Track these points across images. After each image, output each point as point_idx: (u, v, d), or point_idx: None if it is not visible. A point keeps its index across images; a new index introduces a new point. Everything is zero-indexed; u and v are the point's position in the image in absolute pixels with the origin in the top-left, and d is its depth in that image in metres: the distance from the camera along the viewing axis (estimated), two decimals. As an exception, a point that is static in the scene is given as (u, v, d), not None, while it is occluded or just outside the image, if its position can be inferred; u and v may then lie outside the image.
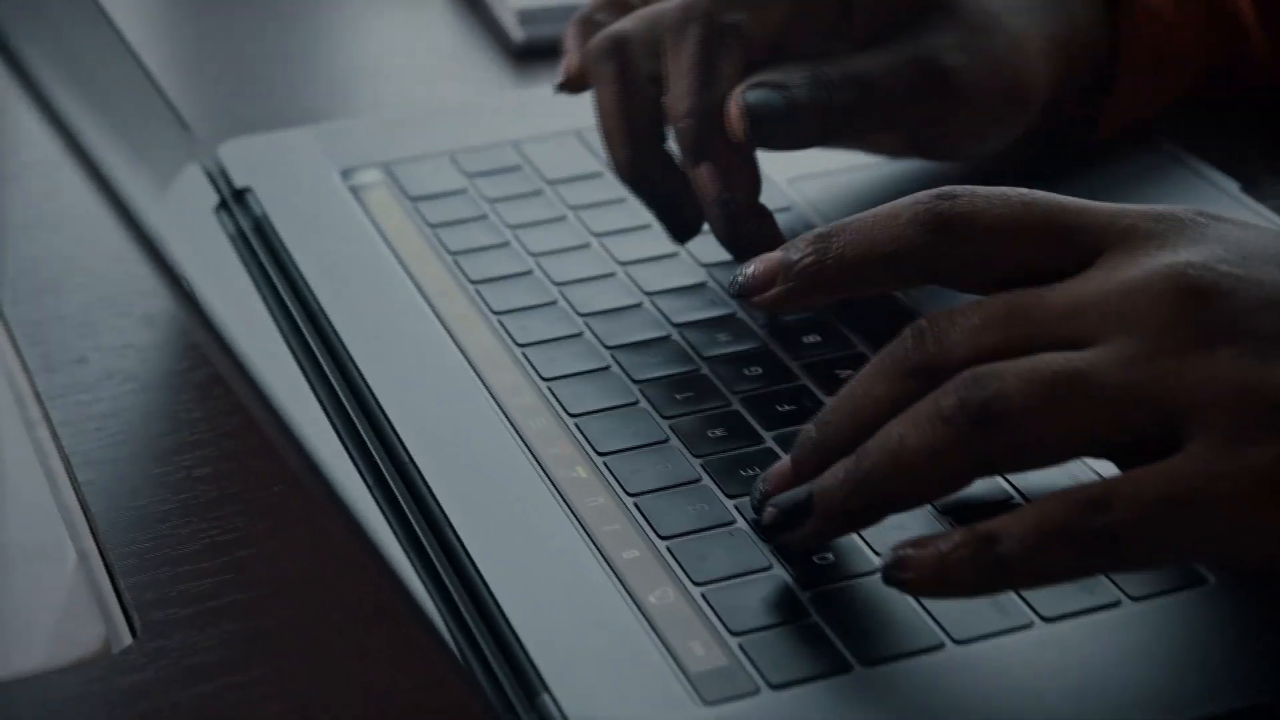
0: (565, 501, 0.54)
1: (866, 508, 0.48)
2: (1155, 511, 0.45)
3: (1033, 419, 0.47)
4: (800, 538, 0.50)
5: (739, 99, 0.60)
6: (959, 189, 0.51)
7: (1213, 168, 0.69)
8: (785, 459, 0.51)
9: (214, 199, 0.70)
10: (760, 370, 0.59)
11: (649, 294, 0.64)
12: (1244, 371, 0.46)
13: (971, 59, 0.64)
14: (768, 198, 0.68)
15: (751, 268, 0.53)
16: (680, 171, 0.63)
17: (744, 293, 0.53)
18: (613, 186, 0.69)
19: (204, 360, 0.63)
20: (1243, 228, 0.50)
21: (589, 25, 0.66)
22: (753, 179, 0.61)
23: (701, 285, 0.64)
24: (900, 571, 0.47)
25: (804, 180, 0.70)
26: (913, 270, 0.51)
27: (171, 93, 0.74)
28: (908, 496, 0.48)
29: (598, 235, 0.67)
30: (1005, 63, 0.65)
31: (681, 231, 0.63)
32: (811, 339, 0.61)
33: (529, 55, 0.85)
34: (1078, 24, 0.68)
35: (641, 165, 0.63)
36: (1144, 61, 0.69)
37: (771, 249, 0.54)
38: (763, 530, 0.51)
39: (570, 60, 0.65)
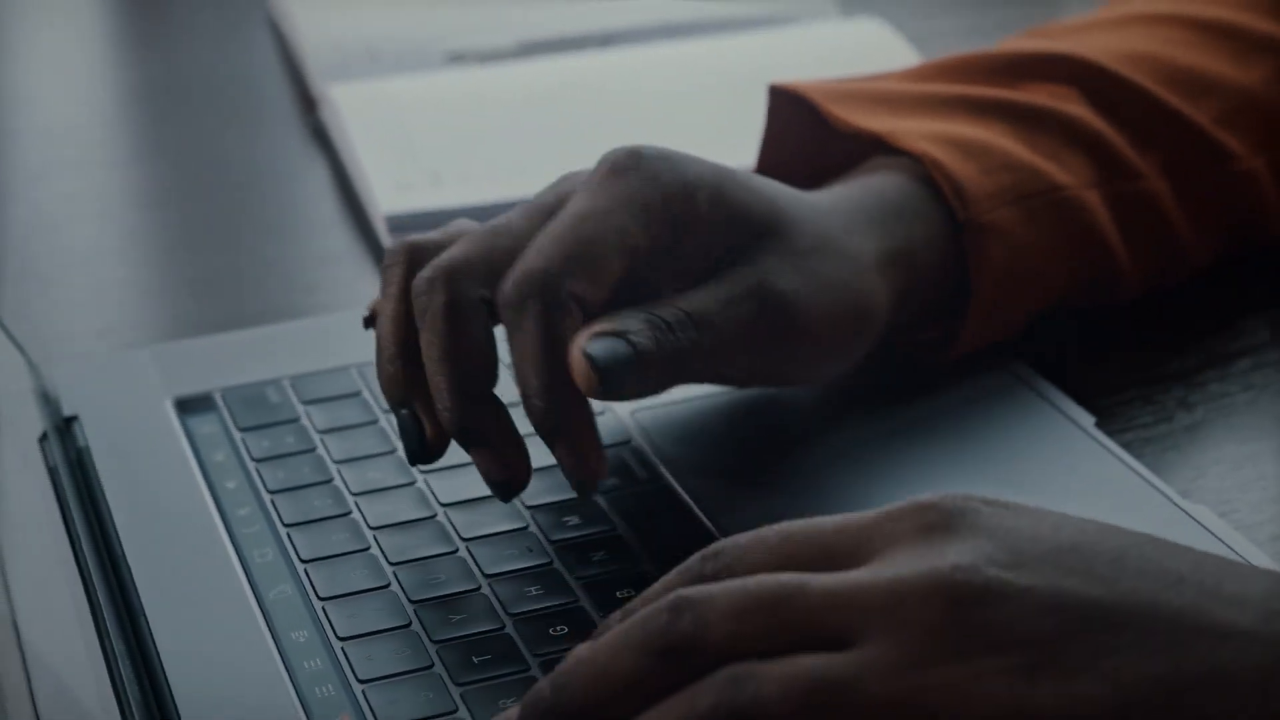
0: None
1: None
2: None
3: None
4: None
5: (581, 351, 0.57)
6: (720, 544, 0.48)
7: (1066, 397, 0.67)
8: (513, 708, 0.47)
9: (41, 427, 0.68)
10: (566, 629, 0.57)
11: (466, 540, 0.61)
12: (1010, 688, 0.44)
13: (805, 282, 0.62)
14: (604, 429, 0.67)
15: None
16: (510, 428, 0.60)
17: None
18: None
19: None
20: (1018, 516, 0.47)
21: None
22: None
23: (523, 530, 0.62)
24: None
25: (643, 411, 0.67)
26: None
27: (16, 308, 0.72)
28: None
29: (424, 472, 0.65)
30: (841, 283, 0.62)
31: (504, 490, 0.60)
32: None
33: (398, 263, 0.83)
34: (916, 241, 0.66)
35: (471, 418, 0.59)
36: (994, 283, 0.67)
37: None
38: None
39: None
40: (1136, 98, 0.72)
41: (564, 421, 0.58)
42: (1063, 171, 0.69)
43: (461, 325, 0.58)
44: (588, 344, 0.58)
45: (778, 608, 0.46)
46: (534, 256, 0.59)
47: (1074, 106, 0.71)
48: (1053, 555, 0.46)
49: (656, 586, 0.49)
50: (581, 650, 0.47)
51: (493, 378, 0.59)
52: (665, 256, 0.61)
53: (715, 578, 0.47)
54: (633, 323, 0.59)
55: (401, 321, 0.60)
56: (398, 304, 0.60)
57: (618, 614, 0.49)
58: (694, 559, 0.49)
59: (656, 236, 0.60)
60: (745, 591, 0.46)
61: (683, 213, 0.61)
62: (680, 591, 0.46)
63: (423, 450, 0.60)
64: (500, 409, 0.59)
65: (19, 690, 0.55)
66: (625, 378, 0.58)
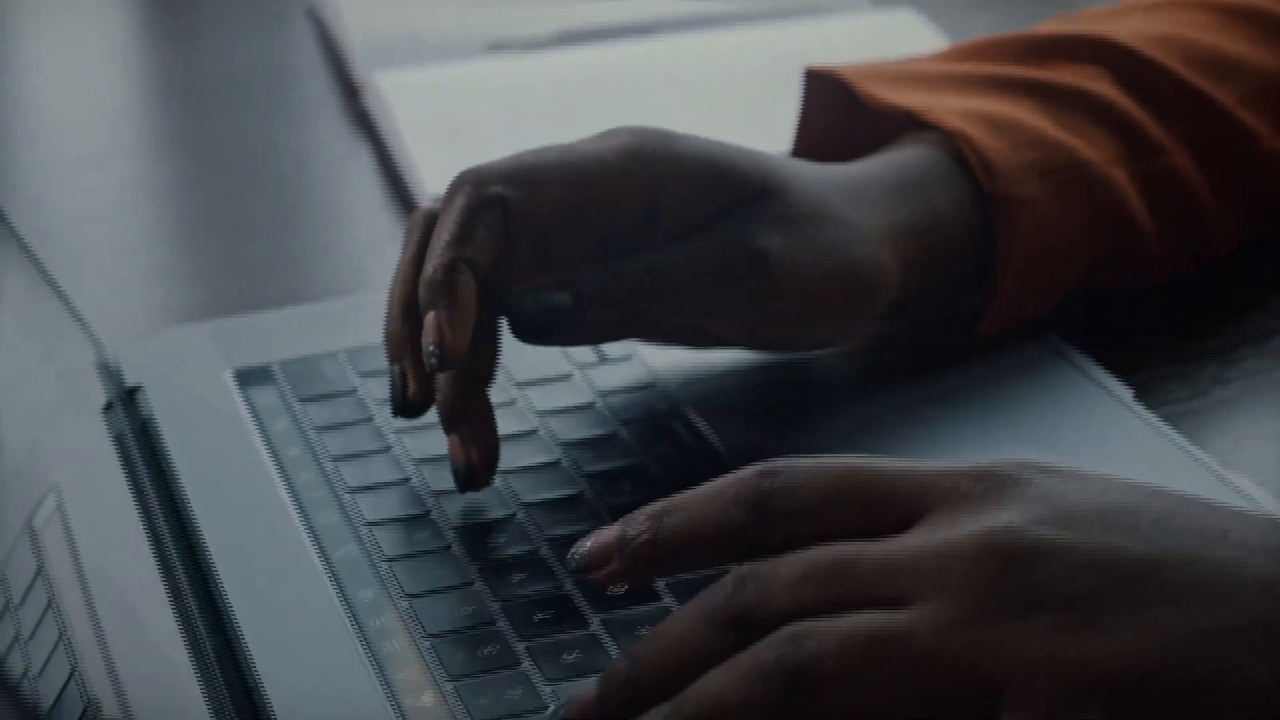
0: (409, 731, 0.54)
1: None
2: None
3: (848, 681, 0.46)
4: None
5: (518, 305, 0.61)
6: (780, 464, 0.50)
7: (1105, 370, 0.68)
8: (590, 687, 0.49)
9: (104, 398, 0.70)
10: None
11: (524, 505, 0.63)
12: (1056, 642, 0.45)
13: (792, 244, 0.64)
14: (658, 402, 0.68)
15: (589, 544, 0.52)
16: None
17: (580, 569, 0.51)
18: (499, 388, 0.69)
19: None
20: (1068, 481, 0.49)
21: None
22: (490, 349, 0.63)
23: (579, 495, 0.63)
24: None
25: (692, 383, 0.69)
26: (737, 551, 0.50)
27: (78, 287, 0.73)
28: None
29: (481, 441, 0.66)
30: (835, 250, 0.64)
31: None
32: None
33: (444, 244, 0.84)
34: (938, 213, 0.68)
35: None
36: (1024, 256, 0.69)
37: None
38: None
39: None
40: (1162, 78, 0.74)
41: (445, 298, 0.60)
42: (1090, 148, 0.71)
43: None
44: (523, 297, 0.61)
45: (836, 575, 0.48)
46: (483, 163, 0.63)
47: (1101, 85, 0.73)
48: (1099, 516, 0.48)
49: (711, 487, 0.50)
50: (655, 627, 0.50)
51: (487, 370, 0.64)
52: (648, 215, 0.63)
53: (771, 496, 0.49)
54: (589, 270, 0.62)
55: (411, 284, 0.63)
56: (409, 267, 0.64)
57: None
58: (751, 471, 0.50)
59: (630, 190, 0.63)
60: (805, 562, 0.48)
61: (666, 170, 0.63)
62: (744, 566, 0.49)
63: (404, 406, 0.63)
64: (486, 405, 0.63)
65: (94, 651, 0.57)
66: (560, 323, 0.61)
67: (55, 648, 0.57)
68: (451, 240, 0.61)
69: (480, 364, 0.63)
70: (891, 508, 0.49)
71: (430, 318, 0.60)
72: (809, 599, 0.47)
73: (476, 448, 0.62)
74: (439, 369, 0.60)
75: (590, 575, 0.51)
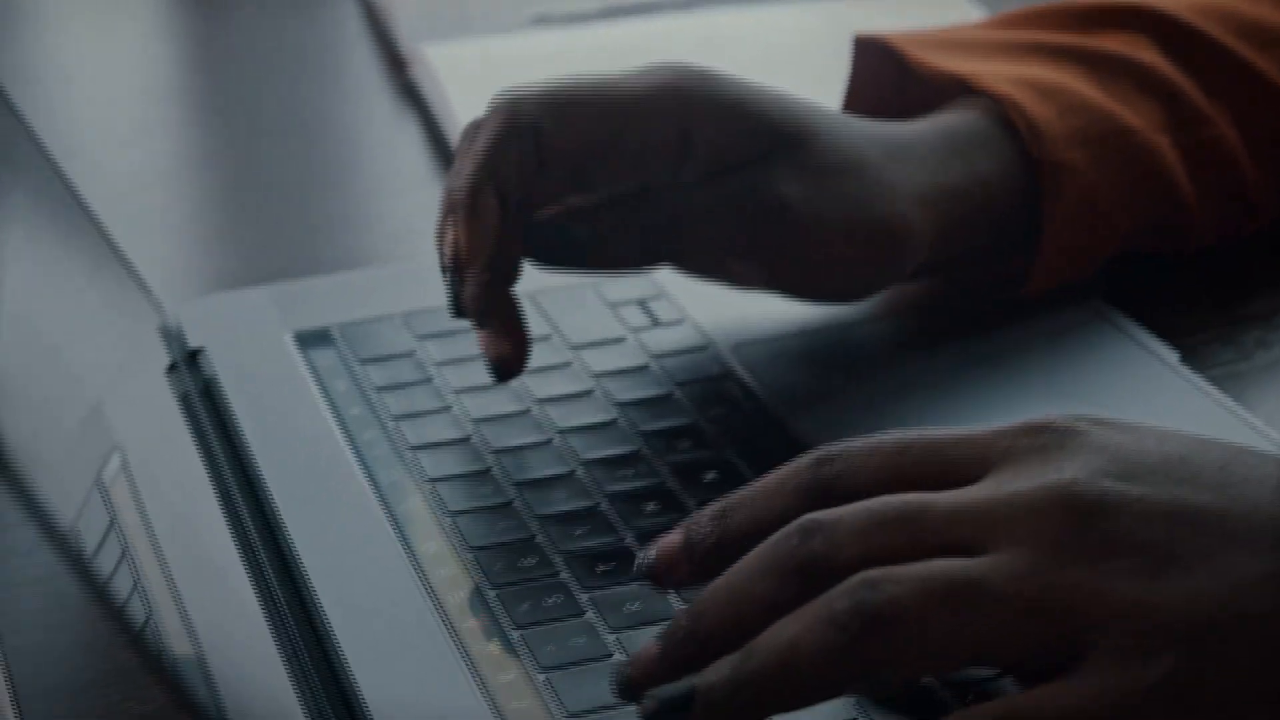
0: (477, 675, 0.55)
1: (751, 707, 0.47)
2: None
3: (925, 626, 0.46)
4: None
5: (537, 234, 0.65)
6: (834, 449, 0.51)
7: (1150, 333, 0.70)
8: (652, 642, 0.49)
9: (167, 360, 0.71)
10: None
11: (583, 462, 0.64)
12: (1135, 588, 0.46)
13: (814, 194, 0.65)
14: (711, 364, 0.70)
15: (653, 552, 0.52)
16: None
17: (651, 575, 0.52)
18: (555, 350, 0.70)
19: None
20: (1124, 432, 0.50)
21: None
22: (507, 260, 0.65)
23: (636, 453, 0.65)
24: None
25: (745, 346, 0.71)
26: None
27: (138, 253, 0.75)
28: (795, 698, 0.47)
29: (538, 401, 0.68)
30: (859, 204, 0.66)
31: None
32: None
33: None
34: (979, 176, 0.69)
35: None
36: (1068, 221, 0.70)
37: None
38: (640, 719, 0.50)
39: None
40: (1207, 47, 0.75)
41: (469, 209, 0.63)
42: (1135, 116, 0.72)
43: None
44: (545, 225, 0.65)
45: (905, 525, 0.48)
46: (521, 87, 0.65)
47: (1146, 54, 0.74)
48: (1162, 466, 0.49)
49: (770, 481, 0.51)
50: (715, 581, 0.50)
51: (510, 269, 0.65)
52: (681, 152, 0.65)
53: (831, 482, 0.50)
54: (596, 201, 0.65)
55: None
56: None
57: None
58: (807, 461, 0.51)
59: (662, 126, 0.65)
60: (871, 512, 0.48)
61: (700, 109, 0.65)
62: (808, 515, 0.49)
63: (458, 310, 0.65)
64: (512, 301, 0.65)
65: (166, 599, 0.58)
66: (570, 254, 0.65)
67: (130, 596, 0.58)
68: (482, 161, 0.63)
69: (504, 266, 0.64)
70: (952, 474, 0.50)
71: (449, 233, 0.63)
72: (877, 547, 0.48)
73: (508, 340, 0.64)
74: (452, 277, 0.63)
75: (660, 583, 0.52)
